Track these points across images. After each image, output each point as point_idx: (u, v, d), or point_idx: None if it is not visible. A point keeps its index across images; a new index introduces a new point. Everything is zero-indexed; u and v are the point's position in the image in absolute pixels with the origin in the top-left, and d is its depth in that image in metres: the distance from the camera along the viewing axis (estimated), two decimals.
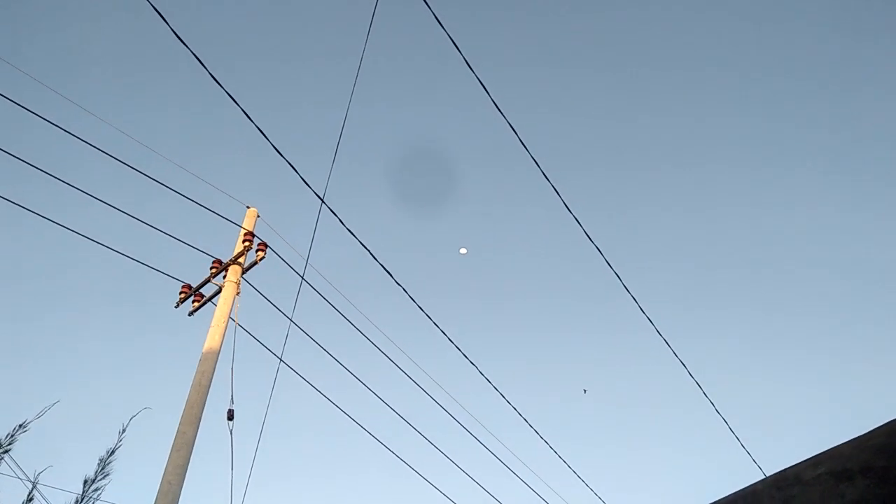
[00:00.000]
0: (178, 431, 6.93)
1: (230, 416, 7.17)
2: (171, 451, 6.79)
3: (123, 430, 4.50)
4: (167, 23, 5.90)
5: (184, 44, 5.99)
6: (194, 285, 8.77)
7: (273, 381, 8.28)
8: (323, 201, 7.55)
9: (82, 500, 4.65)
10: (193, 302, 8.65)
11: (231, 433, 7.06)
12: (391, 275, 8.15)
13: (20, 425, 4.42)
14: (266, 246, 8.65)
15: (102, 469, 5.16)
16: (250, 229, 8.67)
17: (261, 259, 8.56)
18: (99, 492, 4.93)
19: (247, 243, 8.53)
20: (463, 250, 21.03)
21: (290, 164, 7.12)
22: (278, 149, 6.95)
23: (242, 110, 6.63)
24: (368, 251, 8.05)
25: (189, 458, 6.83)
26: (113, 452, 5.56)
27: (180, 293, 8.64)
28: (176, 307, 8.61)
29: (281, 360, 8.62)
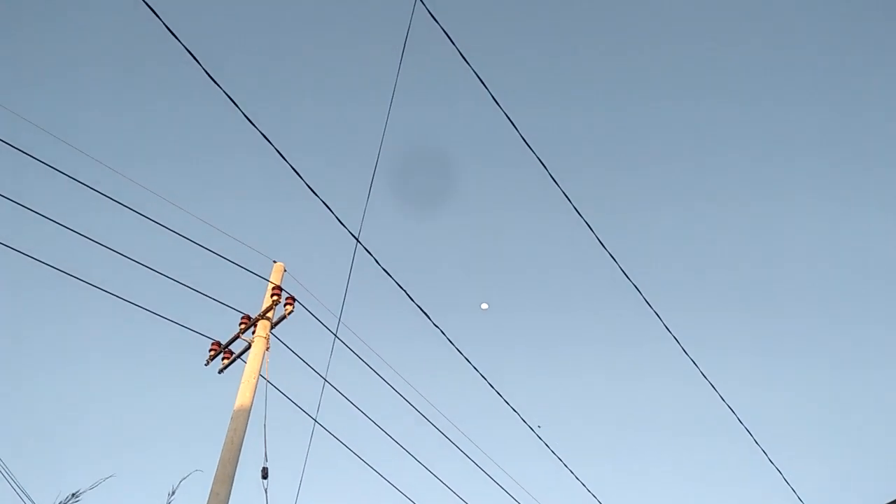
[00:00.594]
0: (211, 492, 6.79)
1: (264, 475, 7.03)
2: None
3: (172, 493, 4.37)
4: (199, 63, 6.01)
5: (216, 83, 6.08)
6: (223, 342, 8.74)
7: (309, 439, 8.14)
8: (358, 240, 7.54)
9: None
10: (223, 359, 8.60)
11: (266, 492, 6.90)
12: (429, 317, 8.04)
13: (73, 494, 4.35)
14: (294, 300, 8.62)
15: None
16: (278, 283, 8.66)
17: (289, 313, 8.52)
18: None
19: (275, 297, 8.51)
20: (484, 305, 20.84)
21: (325, 203, 7.13)
22: (312, 187, 6.97)
23: (278, 152, 6.69)
24: (407, 294, 8.00)
25: None
26: None
27: (210, 350, 8.60)
28: (206, 365, 8.56)
29: (315, 420, 8.47)
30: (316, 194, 7.11)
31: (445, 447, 9.71)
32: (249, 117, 6.38)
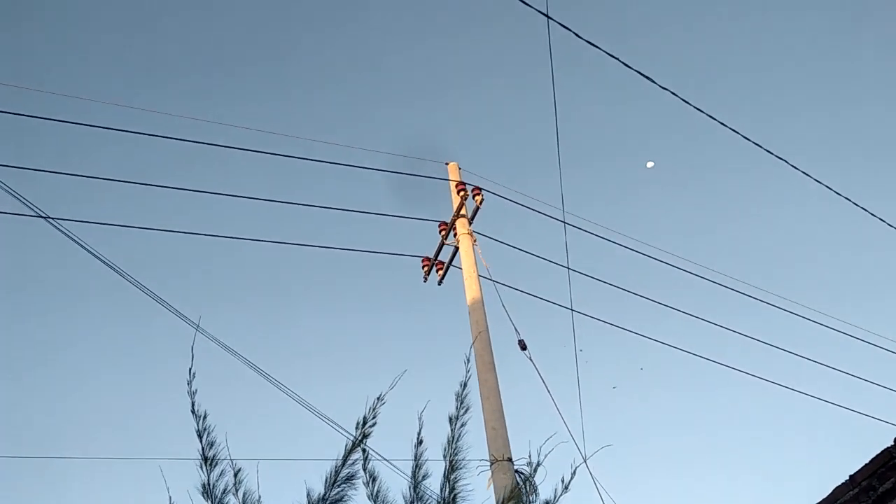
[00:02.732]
0: (479, 381, 6.85)
1: (523, 346, 6.98)
2: (481, 399, 6.72)
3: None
4: None
5: None
6: (429, 257, 8.79)
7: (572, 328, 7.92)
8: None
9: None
10: (437, 271, 8.67)
11: (531, 360, 6.85)
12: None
13: (378, 398, 4.48)
14: (480, 189, 8.43)
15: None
16: (459, 179, 8.51)
17: (481, 202, 8.35)
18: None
19: (461, 193, 8.37)
20: (650, 164, 19.37)
21: None
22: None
23: None
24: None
25: (500, 402, 6.71)
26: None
27: (423, 267, 8.70)
28: (424, 281, 8.68)
29: (572, 310, 8.25)
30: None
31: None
32: None
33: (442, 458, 4.65)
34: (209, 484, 3.95)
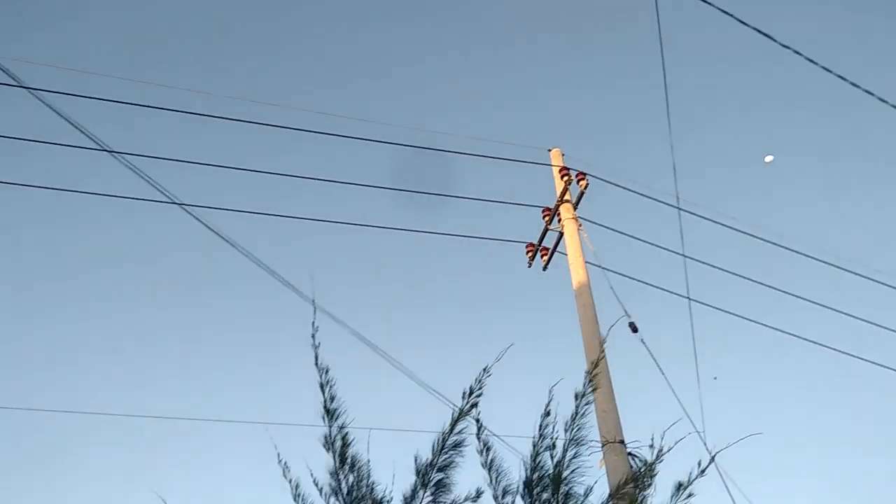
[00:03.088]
0: (588, 364, 6.75)
1: (634, 329, 6.82)
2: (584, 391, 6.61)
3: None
4: None
5: None
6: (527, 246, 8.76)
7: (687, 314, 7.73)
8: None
9: None
10: (542, 257, 8.63)
11: (643, 341, 6.68)
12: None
13: (484, 369, 4.57)
14: (584, 174, 8.32)
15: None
16: (561, 164, 8.45)
17: (585, 188, 8.24)
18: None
19: (565, 178, 8.30)
20: (769, 158, 18.31)
21: None
22: None
23: None
24: None
25: (610, 384, 6.59)
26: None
27: (527, 253, 8.68)
28: (529, 266, 8.65)
29: (689, 298, 8.05)
30: None
31: None
32: None
33: (563, 432, 4.62)
34: (330, 436, 4.12)
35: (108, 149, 6.75)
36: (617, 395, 6.73)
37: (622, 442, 6.25)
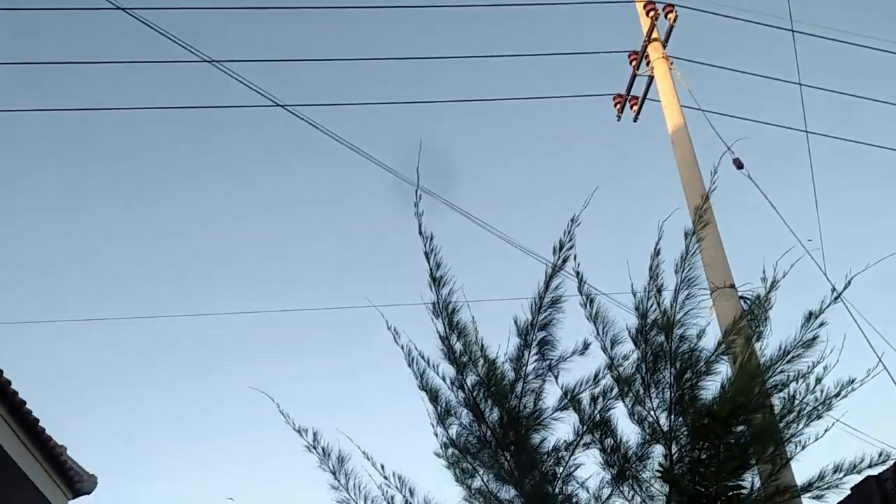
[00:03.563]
0: (690, 209, 6.41)
1: (739, 165, 6.36)
2: (693, 227, 6.29)
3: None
4: None
5: None
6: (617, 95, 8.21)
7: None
8: None
9: None
10: (631, 107, 8.10)
11: (750, 177, 6.24)
12: None
13: (572, 219, 4.38)
14: (673, 6, 7.56)
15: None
16: None
17: (674, 21, 7.51)
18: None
19: (651, 13, 7.58)
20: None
21: None
22: None
23: None
24: None
25: (716, 227, 6.24)
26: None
27: (614, 105, 8.17)
28: (618, 119, 8.17)
29: (807, 131, 7.34)
30: None
31: None
32: None
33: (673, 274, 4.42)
34: (439, 302, 4.11)
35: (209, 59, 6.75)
36: (724, 241, 6.40)
37: (733, 286, 5.99)
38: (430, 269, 4.17)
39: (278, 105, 7.00)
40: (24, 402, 6.28)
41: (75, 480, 7.30)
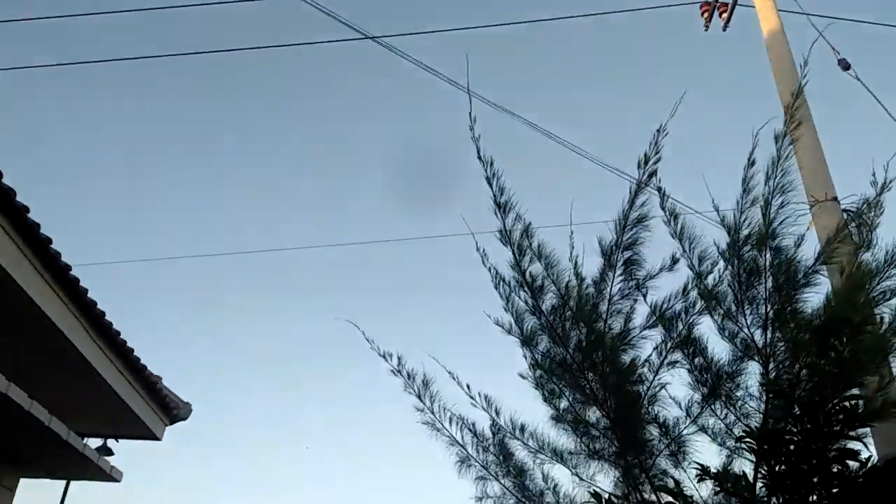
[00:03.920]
0: (787, 117, 5.97)
1: (846, 66, 5.85)
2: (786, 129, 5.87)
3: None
4: None
5: None
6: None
7: None
8: None
9: None
10: (720, 14, 7.56)
11: (858, 78, 5.73)
12: None
13: (658, 129, 4.17)
14: None
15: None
16: None
17: None
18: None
19: None
20: None
21: None
22: None
23: None
24: None
25: (816, 136, 5.80)
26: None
27: (702, 15, 7.64)
28: (706, 30, 7.64)
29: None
30: None
31: None
32: None
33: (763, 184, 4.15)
34: (505, 229, 4.01)
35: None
36: (826, 154, 5.94)
37: (835, 199, 5.57)
38: (494, 195, 4.06)
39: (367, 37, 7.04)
40: (120, 334, 6.52)
41: (172, 408, 7.78)
